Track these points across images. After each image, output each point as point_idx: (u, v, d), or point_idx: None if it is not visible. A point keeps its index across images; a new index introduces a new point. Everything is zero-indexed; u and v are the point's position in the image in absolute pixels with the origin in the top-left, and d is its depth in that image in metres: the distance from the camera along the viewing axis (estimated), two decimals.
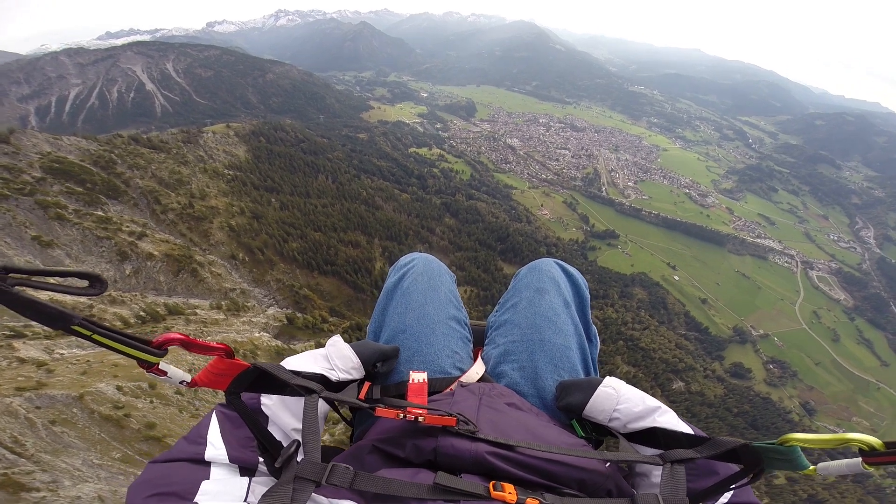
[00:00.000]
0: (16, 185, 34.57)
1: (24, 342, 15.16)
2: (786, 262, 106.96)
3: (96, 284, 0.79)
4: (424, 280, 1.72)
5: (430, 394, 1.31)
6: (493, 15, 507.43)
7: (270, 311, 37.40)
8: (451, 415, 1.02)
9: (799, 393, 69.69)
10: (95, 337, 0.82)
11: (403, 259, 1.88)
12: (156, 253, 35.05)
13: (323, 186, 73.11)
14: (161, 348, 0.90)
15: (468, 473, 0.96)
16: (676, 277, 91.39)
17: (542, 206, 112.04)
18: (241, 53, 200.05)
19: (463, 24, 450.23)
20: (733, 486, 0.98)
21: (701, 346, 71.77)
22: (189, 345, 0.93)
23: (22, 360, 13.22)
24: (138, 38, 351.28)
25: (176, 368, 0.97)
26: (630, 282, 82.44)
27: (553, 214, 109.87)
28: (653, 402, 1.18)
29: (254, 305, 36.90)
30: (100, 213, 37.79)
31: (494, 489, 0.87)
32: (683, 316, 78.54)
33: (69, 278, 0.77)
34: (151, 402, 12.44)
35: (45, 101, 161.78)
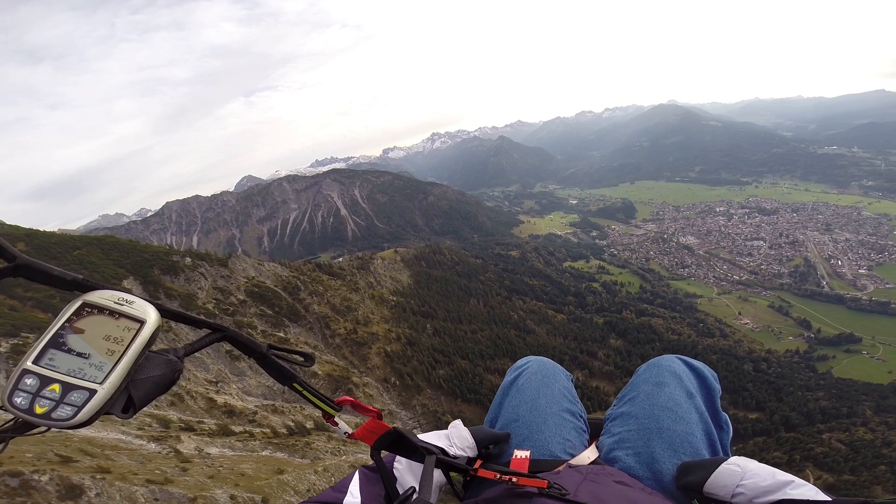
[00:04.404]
0: (224, 306, 42.53)
1: (189, 436, 16.32)
2: None
3: (309, 360, 1.17)
4: (538, 378, 1.88)
5: (536, 471, 1.43)
6: (627, 105, 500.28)
7: None
8: (544, 479, 1.12)
9: None
10: (304, 392, 1.14)
11: (519, 361, 2.05)
12: (320, 372, 38.85)
13: (474, 311, 73.28)
14: (339, 406, 1.21)
15: None
16: None
17: (739, 314, 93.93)
18: (408, 178, 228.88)
19: (599, 122, 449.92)
20: None
21: None
22: (355, 406, 1.24)
23: (178, 452, 14.23)
24: (336, 165, 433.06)
25: (344, 423, 1.26)
26: (890, 392, 63.49)
27: (757, 323, 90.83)
28: (785, 476, 1.16)
29: (398, 427, 37.73)
30: (281, 334, 44.11)
31: None
32: None
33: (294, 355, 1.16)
34: None
35: (274, 223, 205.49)
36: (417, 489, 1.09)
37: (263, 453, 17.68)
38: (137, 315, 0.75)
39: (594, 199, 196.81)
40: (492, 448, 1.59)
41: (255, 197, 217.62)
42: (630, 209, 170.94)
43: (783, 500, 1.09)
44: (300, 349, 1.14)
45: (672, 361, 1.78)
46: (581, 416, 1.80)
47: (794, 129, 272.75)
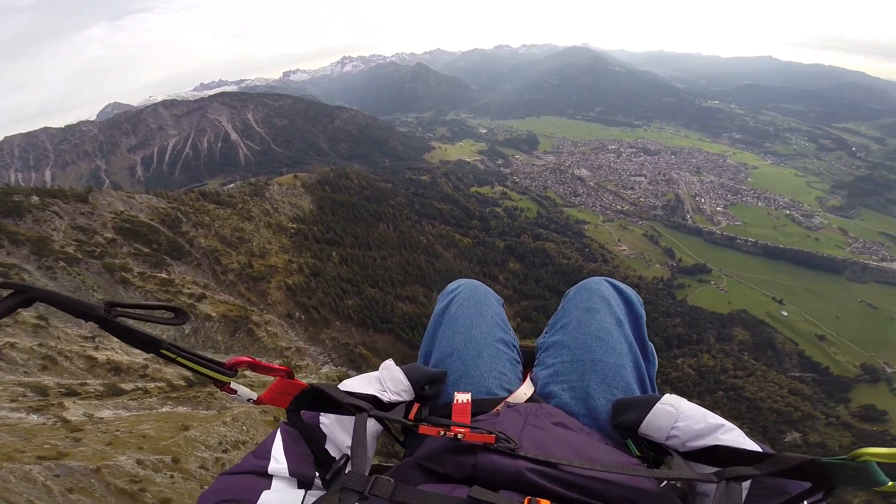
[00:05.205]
0: (88, 248, 36.45)
1: (74, 401, 15.30)
2: None
3: (180, 316, 0.93)
4: (470, 305, 1.78)
5: (475, 414, 1.35)
6: (544, 44, 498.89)
7: (325, 369, 36.74)
8: (491, 433, 1.05)
9: None
10: (179, 359, 0.93)
11: (451, 286, 1.96)
12: (214, 314, 35.54)
13: (384, 236, 70.78)
14: (232, 369, 1.00)
15: (508, 490, 0.96)
16: (785, 313, 77.85)
17: (619, 241, 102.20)
18: (312, 101, 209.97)
19: (515, 57, 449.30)
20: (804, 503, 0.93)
21: (821, 388, 59.65)
22: (255, 366, 1.02)
23: (65, 421, 13.30)
24: (226, 88, 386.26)
25: (244, 388, 1.05)
26: (728, 321, 71.74)
27: (633, 250, 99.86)
28: (716, 419, 1.14)
29: (308, 364, 36.25)
30: (163, 275, 39.07)
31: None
32: (797, 356, 66.12)
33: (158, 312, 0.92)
34: (171, 476, 11.96)
35: (149, 151, 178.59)
36: (350, 456, 0.97)
37: (163, 410, 16.29)
38: None
39: (502, 129, 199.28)
40: (428, 389, 1.45)
41: (124, 125, 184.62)
42: (534, 141, 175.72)
43: (716, 445, 1.07)
44: (165, 301, 0.90)
45: (601, 284, 1.73)
46: (514, 346, 1.73)
47: (687, 82, 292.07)
